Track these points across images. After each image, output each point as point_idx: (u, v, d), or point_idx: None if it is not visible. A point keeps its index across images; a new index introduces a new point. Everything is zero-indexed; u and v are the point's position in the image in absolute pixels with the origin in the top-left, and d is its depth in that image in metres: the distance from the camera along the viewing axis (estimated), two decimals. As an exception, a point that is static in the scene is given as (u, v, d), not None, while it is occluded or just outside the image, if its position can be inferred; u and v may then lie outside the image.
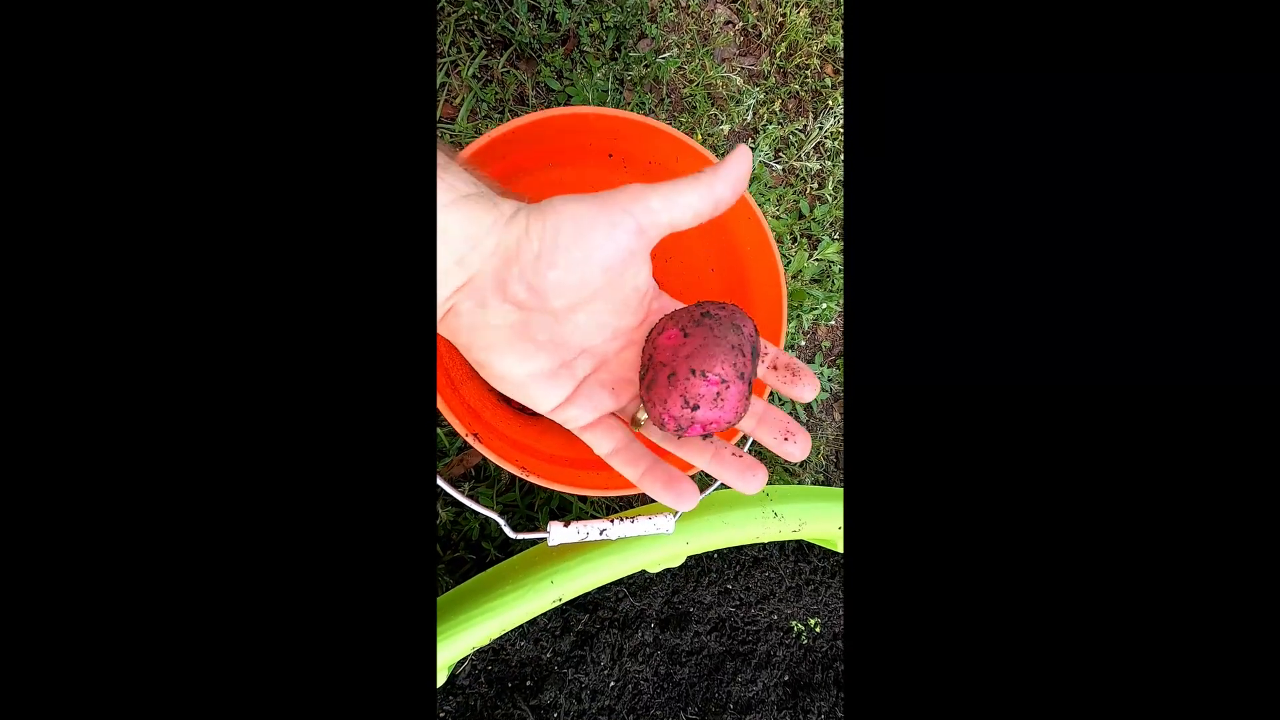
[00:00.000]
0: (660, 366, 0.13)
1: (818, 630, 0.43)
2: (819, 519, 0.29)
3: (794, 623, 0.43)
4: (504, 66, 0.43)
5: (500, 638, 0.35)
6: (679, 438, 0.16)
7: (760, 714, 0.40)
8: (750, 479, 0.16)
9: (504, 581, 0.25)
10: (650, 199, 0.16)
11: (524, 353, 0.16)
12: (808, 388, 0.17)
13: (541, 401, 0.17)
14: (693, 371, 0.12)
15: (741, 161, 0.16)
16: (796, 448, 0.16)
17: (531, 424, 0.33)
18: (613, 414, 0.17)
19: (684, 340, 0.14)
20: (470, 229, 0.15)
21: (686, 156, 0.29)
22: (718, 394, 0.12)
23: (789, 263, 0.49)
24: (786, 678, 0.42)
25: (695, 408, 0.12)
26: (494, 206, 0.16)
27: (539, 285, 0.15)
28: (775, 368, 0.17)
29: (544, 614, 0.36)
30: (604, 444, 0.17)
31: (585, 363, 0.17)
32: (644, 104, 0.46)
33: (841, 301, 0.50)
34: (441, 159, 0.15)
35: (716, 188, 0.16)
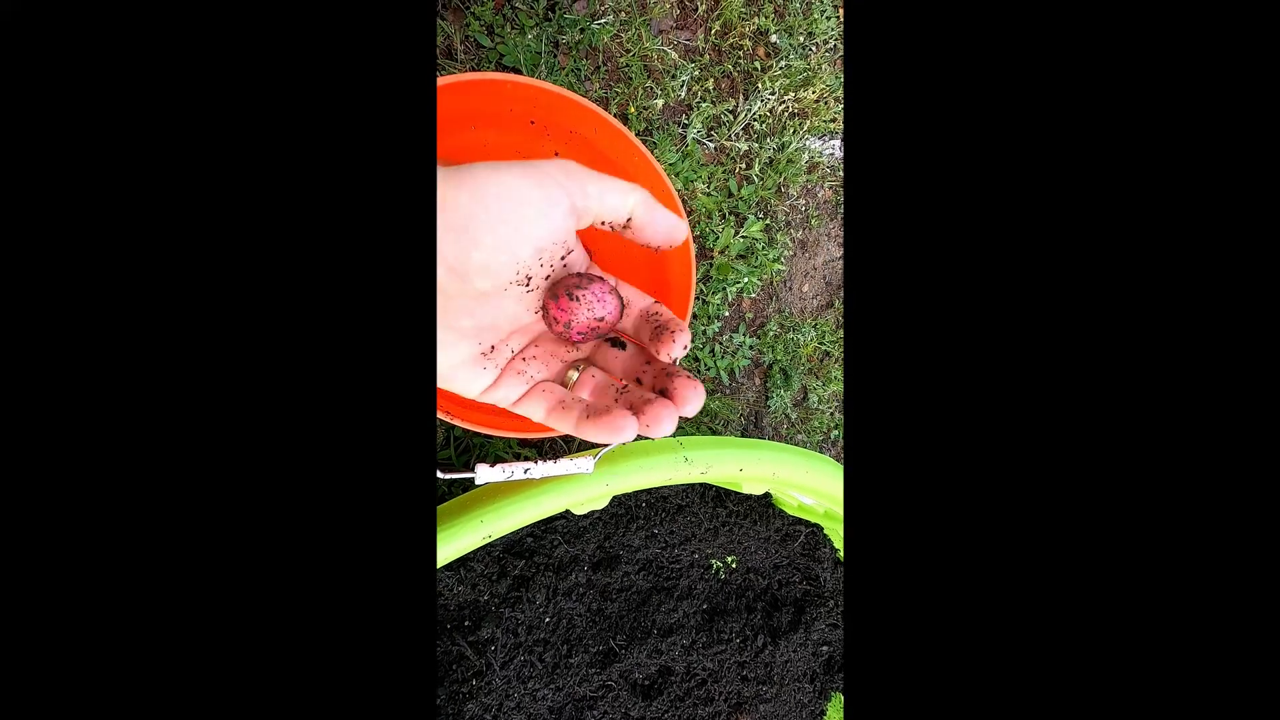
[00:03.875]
0: (557, 288, 0.17)
1: (733, 566, 0.50)
2: (723, 463, 0.34)
3: (713, 560, 0.49)
4: (430, 16, 0.41)
5: (438, 584, 0.37)
6: (574, 337, 0.17)
7: (680, 636, 0.45)
8: (666, 415, 0.16)
9: (436, 522, 0.27)
10: (587, 183, 0.15)
11: (444, 343, 0.15)
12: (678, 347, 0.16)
13: (468, 388, 0.16)
14: (579, 288, 0.16)
15: (678, 225, 0.16)
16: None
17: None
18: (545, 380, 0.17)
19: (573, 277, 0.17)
20: None
21: (605, 130, 0.30)
22: (599, 299, 0.16)
23: (717, 239, 0.52)
24: (705, 606, 0.48)
25: (589, 308, 0.16)
26: None
27: (461, 267, 0.14)
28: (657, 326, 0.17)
29: (480, 561, 0.38)
30: (538, 409, 0.16)
31: (516, 341, 0.17)
32: (579, 70, 0.46)
33: (763, 277, 0.55)
34: None
35: (655, 214, 0.16)
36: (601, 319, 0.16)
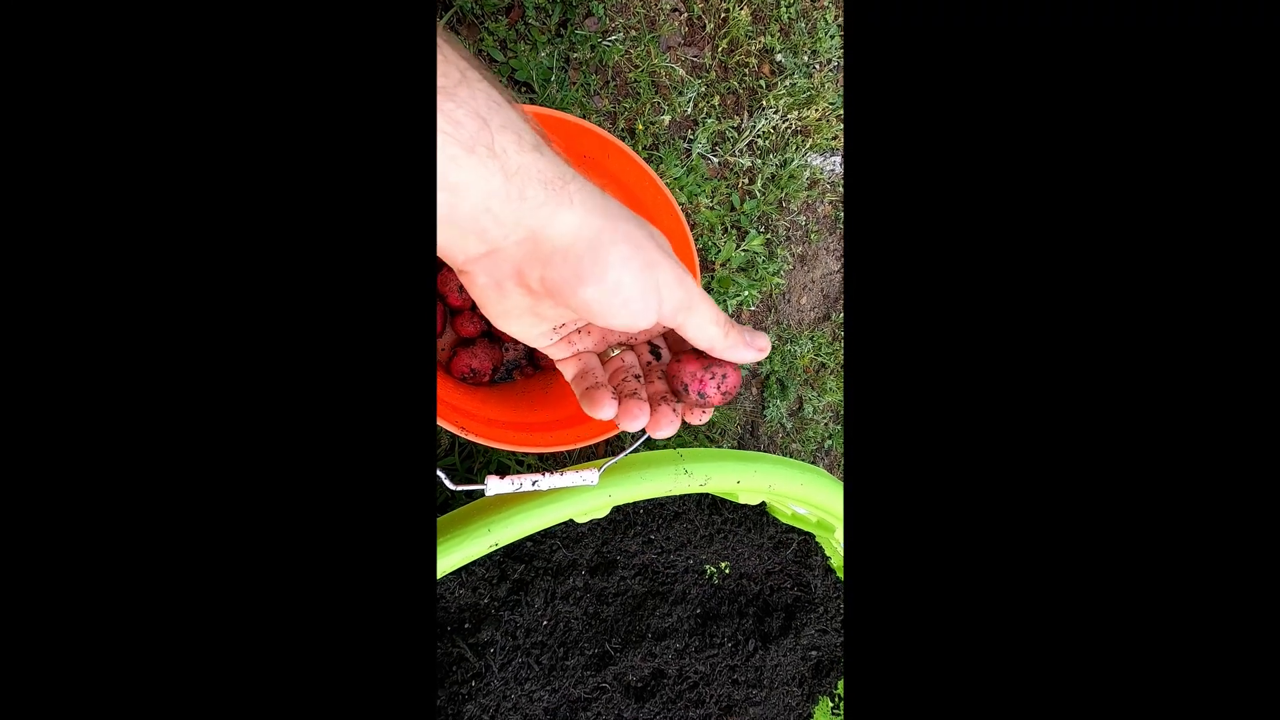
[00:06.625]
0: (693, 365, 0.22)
1: (726, 571, 0.51)
2: (721, 475, 0.35)
3: (707, 566, 0.50)
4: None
5: (439, 588, 0.38)
6: (690, 399, 0.21)
7: (674, 639, 0.47)
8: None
9: (444, 531, 0.28)
10: (701, 309, 0.18)
11: (528, 323, 0.19)
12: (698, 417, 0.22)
13: (530, 343, 0.20)
14: (708, 370, 0.21)
15: (761, 345, 0.20)
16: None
17: (472, 393, 0.36)
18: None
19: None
20: (493, 205, 0.14)
21: (615, 154, 0.31)
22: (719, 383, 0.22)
23: (719, 252, 0.53)
24: (699, 611, 0.49)
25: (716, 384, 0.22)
26: (519, 195, 0.15)
27: (564, 296, 0.16)
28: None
29: (481, 565, 0.39)
30: (568, 371, 0.21)
31: (576, 324, 0.20)
32: (589, 85, 0.47)
33: (762, 289, 0.56)
34: (502, 96, 0.15)
35: (745, 344, 0.20)
36: (713, 395, 0.21)
